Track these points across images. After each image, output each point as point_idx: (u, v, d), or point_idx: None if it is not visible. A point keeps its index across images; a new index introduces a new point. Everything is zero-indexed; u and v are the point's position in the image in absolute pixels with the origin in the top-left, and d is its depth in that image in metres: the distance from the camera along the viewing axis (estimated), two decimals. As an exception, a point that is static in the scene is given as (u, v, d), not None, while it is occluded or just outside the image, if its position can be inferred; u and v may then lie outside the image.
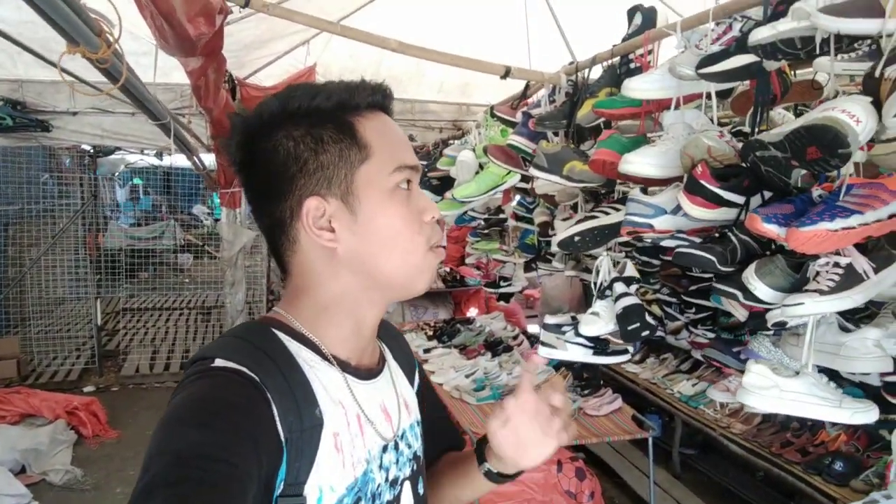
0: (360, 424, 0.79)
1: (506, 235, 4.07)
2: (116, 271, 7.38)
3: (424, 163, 4.20)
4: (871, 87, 1.10)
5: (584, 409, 3.51)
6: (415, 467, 0.89)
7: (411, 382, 0.99)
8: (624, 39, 1.95)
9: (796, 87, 1.79)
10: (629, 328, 1.78)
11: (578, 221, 1.94)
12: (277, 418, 0.69)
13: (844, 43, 1.26)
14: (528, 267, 3.42)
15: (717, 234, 1.46)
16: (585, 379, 3.89)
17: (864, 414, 1.21)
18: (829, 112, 1.10)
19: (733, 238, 1.36)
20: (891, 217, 1.15)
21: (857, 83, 1.92)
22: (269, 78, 4.57)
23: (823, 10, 1.16)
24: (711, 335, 3.00)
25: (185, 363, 0.72)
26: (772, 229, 1.19)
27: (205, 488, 0.58)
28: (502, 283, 4.30)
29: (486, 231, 4.14)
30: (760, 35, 1.30)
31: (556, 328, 1.98)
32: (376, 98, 0.82)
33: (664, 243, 1.63)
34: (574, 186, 1.95)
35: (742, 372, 2.69)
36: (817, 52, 1.24)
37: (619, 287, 1.81)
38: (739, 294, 1.29)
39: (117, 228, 9.61)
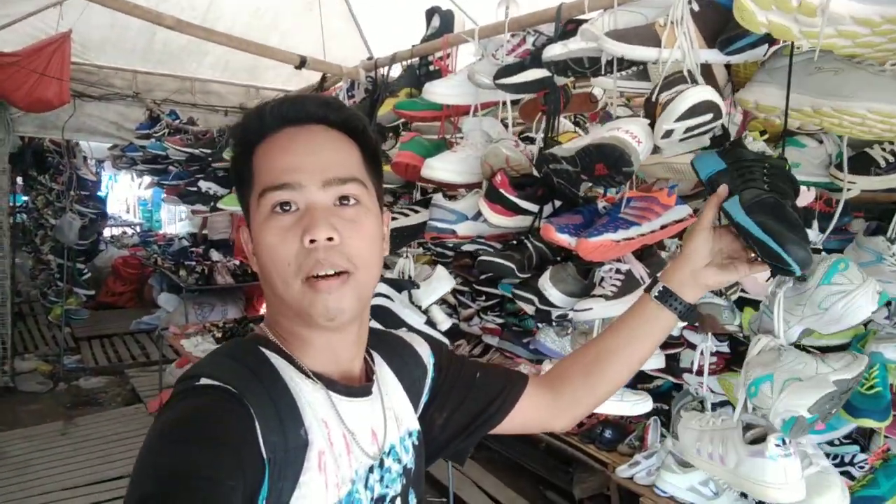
0: (347, 443, 0.77)
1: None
2: None
3: (209, 151, 3.87)
4: (649, 110, 1.21)
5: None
6: (404, 482, 0.86)
7: (416, 393, 0.94)
8: (423, 40, 1.93)
9: (575, 98, 1.95)
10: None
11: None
12: (260, 436, 0.68)
13: (626, 65, 1.37)
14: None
15: (514, 241, 1.52)
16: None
17: (643, 404, 1.36)
18: (614, 132, 1.19)
19: (529, 245, 1.43)
20: (662, 227, 1.29)
21: (626, 97, 2.16)
22: (7, 44, 3.82)
23: (609, 35, 1.24)
24: (500, 321, 3.24)
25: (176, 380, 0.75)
26: (564, 239, 1.26)
27: None
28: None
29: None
30: (553, 52, 1.36)
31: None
32: (291, 112, 0.78)
33: (466, 247, 1.66)
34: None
35: (532, 361, 2.91)
36: (603, 71, 1.33)
37: (380, 287, 1.74)
38: (536, 299, 1.35)
39: None
